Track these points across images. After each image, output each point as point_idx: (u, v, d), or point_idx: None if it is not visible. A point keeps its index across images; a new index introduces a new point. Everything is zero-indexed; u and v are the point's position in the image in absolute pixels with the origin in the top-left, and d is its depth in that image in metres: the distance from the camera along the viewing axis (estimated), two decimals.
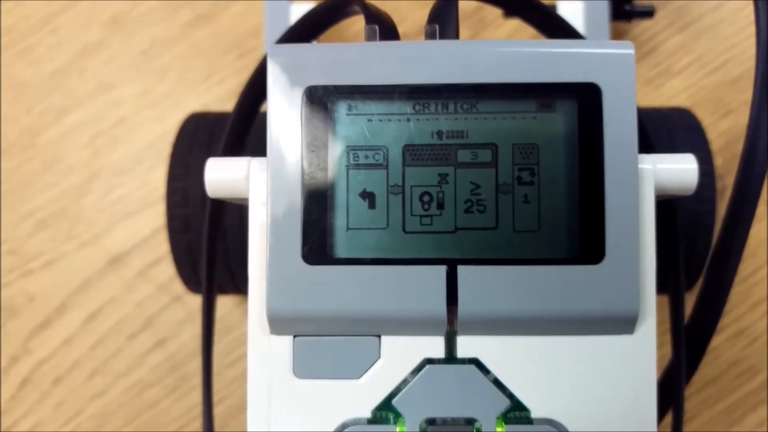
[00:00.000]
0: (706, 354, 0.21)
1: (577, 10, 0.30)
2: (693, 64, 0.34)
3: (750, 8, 0.20)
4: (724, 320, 0.32)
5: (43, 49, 0.35)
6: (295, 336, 0.19)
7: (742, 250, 0.20)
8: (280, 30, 0.31)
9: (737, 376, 0.32)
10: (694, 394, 0.32)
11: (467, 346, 0.18)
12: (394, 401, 0.18)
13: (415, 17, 0.34)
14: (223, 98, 0.35)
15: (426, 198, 0.18)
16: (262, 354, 0.19)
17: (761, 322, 0.32)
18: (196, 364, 0.33)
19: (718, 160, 0.32)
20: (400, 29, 0.20)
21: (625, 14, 0.31)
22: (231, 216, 0.26)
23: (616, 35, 0.33)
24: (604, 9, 0.30)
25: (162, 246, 0.33)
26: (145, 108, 0.35)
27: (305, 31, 0.22)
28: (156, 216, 0.34)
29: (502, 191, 0.18)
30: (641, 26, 0.34)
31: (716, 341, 0.32)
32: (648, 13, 0.31)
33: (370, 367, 0.18)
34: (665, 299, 0.23)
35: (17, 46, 0.36)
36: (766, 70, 0.19)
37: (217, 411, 0.32)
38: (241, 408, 0.33)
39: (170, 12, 0.35)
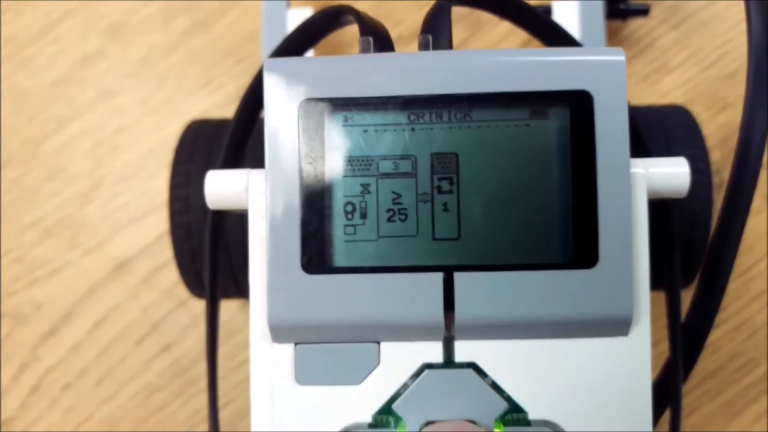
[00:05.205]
0: (706, 348, 0.22)
1: (572, 10, 0.30)
2: (688, 59, 0.34)
3: (743, 3, 0.20)
4: (724, 314, 0.32)
5: (43, 59, 0.36)
6: (296, 343, 0.19)
7: (738, 243, 0.20)
8: (277, 36, 0.31)
9: (737, 369, 0.32)
10: (694, 388, 0.32)
11: (465, 350, 0.19)
12: (395, 405, 0.19)
13: (411, 20, 0.34)
14: (222, 104, 0.35)
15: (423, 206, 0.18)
16: (265, 362, 0.19)
17: (760, 315, 0.32)
18: (203, 367, 0.33)
19: (716, 155, 0.33)
20: (397, 31, 0.20)
21: (620, 13, 0.31)
22: (233, 222, 0.26)
23: (611, 34, 0.33)
24: (599, 8, 0.30)
25: (166, 251, 0.34)
26: (146, 115, 0.35)
27: (300, 41, 0.23)
28: (159, 222, 0.34)
29: (497, 198, 0.18)
30: (636, 23, 0.34)
31: (716, 334, 0.32)
32: (643, 11, 0.31)
33: (370, 373, 0.19)
34: (663, 295, 0.23)
35: (17, 56, 0.36)
36: (758, 64, 0.19)
37: (224, 414, 0.32)
38: (248, 411, 0.33)
39: (168, 19, 0.36)
